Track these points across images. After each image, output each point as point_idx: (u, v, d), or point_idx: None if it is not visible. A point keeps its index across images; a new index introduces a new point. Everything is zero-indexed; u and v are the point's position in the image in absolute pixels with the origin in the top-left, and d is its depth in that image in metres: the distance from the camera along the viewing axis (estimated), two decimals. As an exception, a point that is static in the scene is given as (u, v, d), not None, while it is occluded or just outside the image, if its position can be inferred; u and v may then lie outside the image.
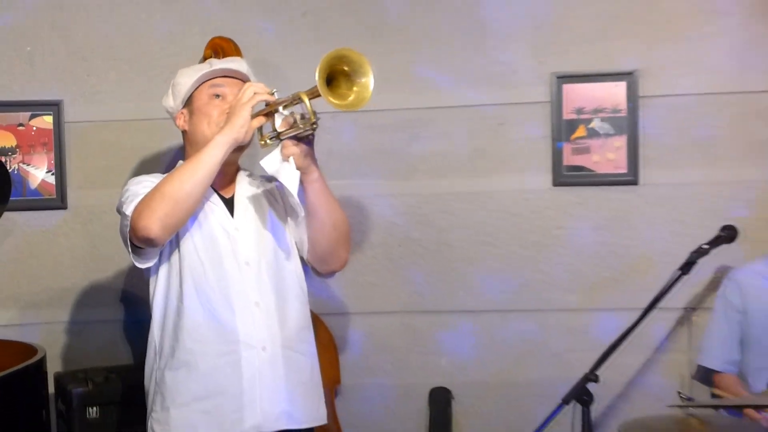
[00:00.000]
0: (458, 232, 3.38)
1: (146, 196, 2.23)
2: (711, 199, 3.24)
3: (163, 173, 2.38)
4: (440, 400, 3.41)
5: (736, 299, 3.00)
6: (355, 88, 2.19)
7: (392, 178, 3.42)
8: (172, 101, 2.45)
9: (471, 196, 3.37)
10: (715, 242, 2.93)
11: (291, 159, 2.28)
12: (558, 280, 3.34)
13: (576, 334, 3.30)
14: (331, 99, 2.12)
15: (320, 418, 2.49)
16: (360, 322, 3.46)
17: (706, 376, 3.10)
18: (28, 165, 3.29)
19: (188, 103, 2.44)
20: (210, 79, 2.40)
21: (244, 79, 2.42)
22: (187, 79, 2.42)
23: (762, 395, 2.65)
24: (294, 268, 2.48)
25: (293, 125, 2.25)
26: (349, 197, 3.33)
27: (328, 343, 3.31)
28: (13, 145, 3.29)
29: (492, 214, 3.36)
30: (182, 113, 2.45)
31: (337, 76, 2.17)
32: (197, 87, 2.41)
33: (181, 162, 2.44)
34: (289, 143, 2.27)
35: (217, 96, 2.39)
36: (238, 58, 2.62)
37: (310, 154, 2.31)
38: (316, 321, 3.12)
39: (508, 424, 3.37)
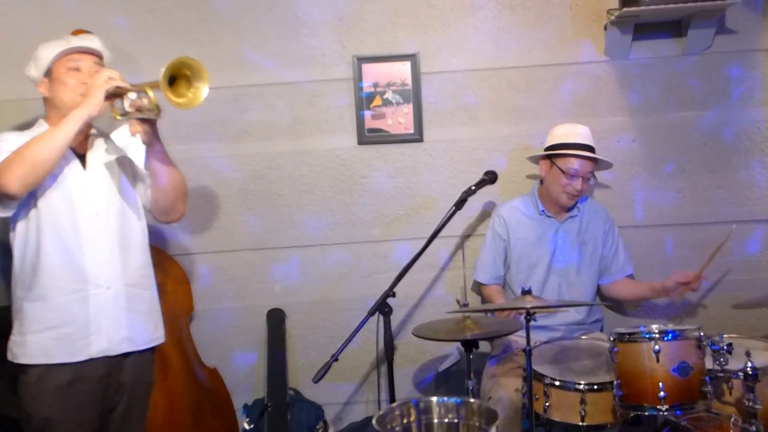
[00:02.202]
0: (284, 183, 3.59)
1: (9, 157, 2.25)
2: (477, 152, 3.60)
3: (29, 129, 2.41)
4: (275, 319, 3.63)
5: (502, 229, 3.34)
6: (191, 90, 2.25)
7: (229, 141, 3.58)
8: (35, 71, 2.47)
9: (293, 155, 3.58)
10: (480, 184, 3.27)
11: (137, 135, 2.41)
12: (364, 218, 3.63)
13: (380, 259, 3.62)
14: (170, 96, 2.19)
15: (158, 338, 2.63)
16: (208, 259, 3.61)
17: (479, 288, 3.48)
18: None
19: (49, 73, 2.47)
20: (68, 54, 2.45)
21: (98, 54, 2.48)
22: (47, 53, 2.45)
23: (516, 300, 2.83)
24: (138, 220, 2.57)
25: (139, 109, 2.32)
26: (194, 158, 3.51)
27: (182, 278, 3.50)
28: None
29: (311, 168, 3.59)
30: (44, 82, 2.47)
31: (179, 77, 2.24)
32: (57, 60, 2.44)
33: (41, 120, 2.49)
34: (135, 122, 2.36)
35: (74, 68, 2.44)
36: (92, 36, 2.59)
37: (154, 133, 2.41)
38: (171, 261, 3.43)
39: (330, 334, 3.64)
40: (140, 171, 2.52)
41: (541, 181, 3.31)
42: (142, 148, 2.46)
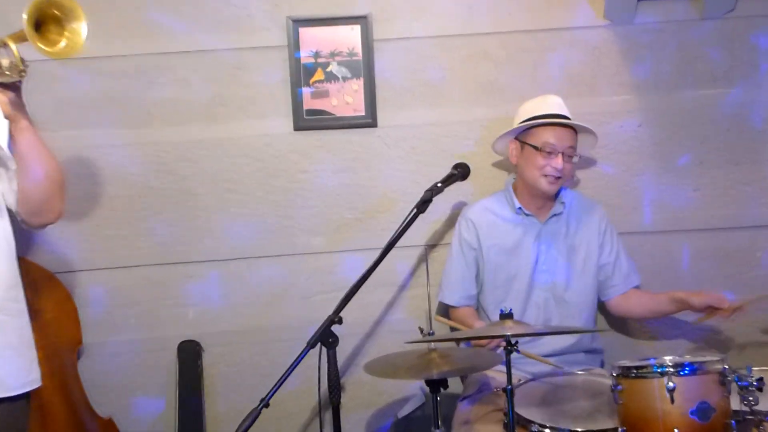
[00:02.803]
0: (200, 179, 3.59)
1: None
2: (444, 140, 3.61)
3: None
4: (189, 353, 3.63)
5: (470, 235, 3.36)
6: (66, 34, 2.25)
7: (127, 126, 3.56)
8: None
9: (212, 143, 3.58)
10: (449, 180, 3.24)
11: None
12: (303, 224, 3.63)
13: (323, 276, 3.62)
14: (40, 44, 2.20)
15: (33, 382, 2.55)
16: (101, 278, 3.58)
17: (446, 311, 3.44)
18: None
19: None
20: None
21: None
22: None
23: (493, 326, 2.83)
24: (2, 224, 2.52)
25: None
26: (84, 147, 3.49)
27: (65, 301, 3.48)
28: None
29: (235, 160, 3.59)
30: None
31: (47, 20, 2.23)
32: None
33: None
34: None
35: None
36: None
37: (18, 103, 2.38)
38: (52, 280, 3.38)
39: (260, 372, 3.63)
40: (2, 154, 2.46)
41: (517, 175, 3.35)
42: (4, 125, 2.40)
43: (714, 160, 3.68)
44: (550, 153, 3.21)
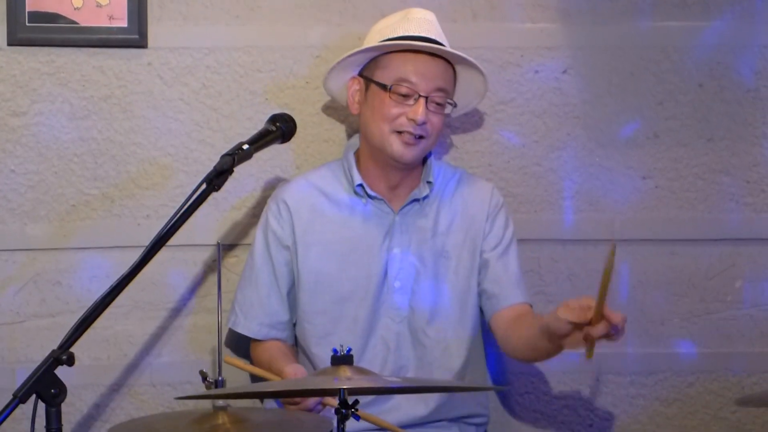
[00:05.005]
0: None
1: None
2: (255, 74, 3.03)
3: None
4: None
5: (282, 227, 2.91)
6: None
7: None
8: None
9: None
10: (261, 139, 2.69)
11: None
12: (13, 200, 3.02)
13: (44, 288, 3.00)
14: None
15: None
16: None
17: (242, 346, 3.02)
18: None
19: None
20: None
21: None
22: None
23: (319, 375, 2.43)
24: None
25: None
26: None
27: None
28: None
29: None
30: None
31: None
32: None
33: None
34: None
35: None
36: None
37: None
38: None
39: None
40: None
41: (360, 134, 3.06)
42: None
43: (676, 133, 3.23)
44: (406, 96, 2.79)
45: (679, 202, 3.26)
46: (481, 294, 3.02)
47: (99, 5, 2.97)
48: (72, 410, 2.87)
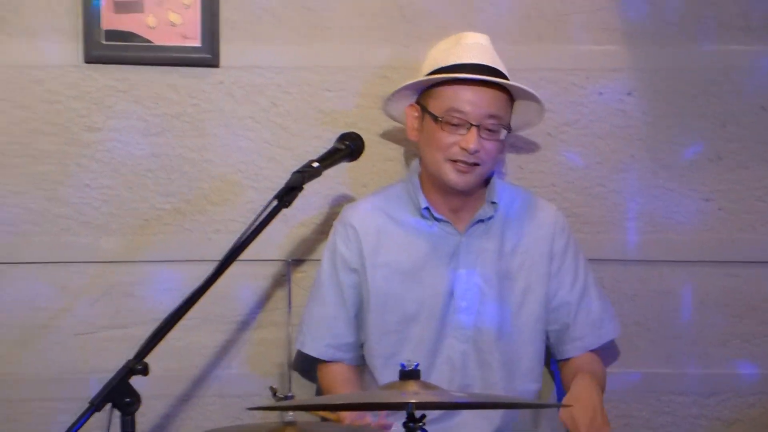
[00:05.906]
0: None
1: None
2: (323, 93, 3.06)
3: None
4: None
5: (350, 250, 2.93)
6: None
7: None
8: None
9: None
10: (330, 158, 2.75)
11: None
12: (87, 214, 3.08)
13: (116, 299, 3.06)
14: None
15: None
16: None
17: (308, 365, 3.06)
18: None
19: None
20: None
21: None
22: None
23: (386, 389, 2.40)
24: None
25: None
26: None
27: None
28: None
29: None
30: None
31: None
32: None
33: None
34: None
35: None
36: None
37: None
38: None
39: None
40: None
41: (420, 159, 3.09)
42: None
43: (738, 155, 3.22)
44: (458, 126, 2.78)
45: (741, 224, 3.26)
46: (562, 336, 3.00)
47: (173, 25, 3.03)
48: (143, 420, 2.82)
